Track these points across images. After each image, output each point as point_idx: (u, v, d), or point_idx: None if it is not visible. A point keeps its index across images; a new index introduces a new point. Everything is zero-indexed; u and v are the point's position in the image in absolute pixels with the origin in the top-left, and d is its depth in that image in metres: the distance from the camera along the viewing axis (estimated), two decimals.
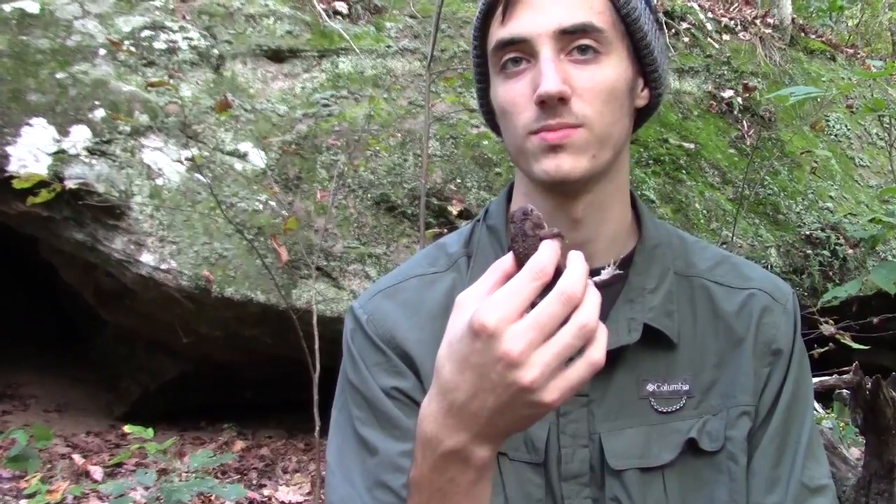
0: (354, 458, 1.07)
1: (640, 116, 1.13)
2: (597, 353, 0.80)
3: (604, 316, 1.06)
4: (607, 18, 1.01)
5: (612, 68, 1.01)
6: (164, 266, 3.95)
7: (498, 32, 1.02)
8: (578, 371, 0.79)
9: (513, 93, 1.02)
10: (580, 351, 0.79)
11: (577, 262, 0.80)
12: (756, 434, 1.09)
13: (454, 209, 4.42)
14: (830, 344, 3.78)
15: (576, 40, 0.99)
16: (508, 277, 0.81)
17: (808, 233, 5.54)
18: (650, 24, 1.06)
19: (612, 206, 1.09)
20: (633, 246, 1.13)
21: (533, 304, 0.79)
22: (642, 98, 1.09)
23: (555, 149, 0.99)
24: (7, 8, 4.25)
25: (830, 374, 3.00)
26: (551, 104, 0.97)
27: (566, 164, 0.99)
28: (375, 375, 1.08)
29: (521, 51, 1.00)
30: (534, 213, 0.83)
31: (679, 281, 1.12)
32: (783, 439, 1.08)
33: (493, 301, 0.79)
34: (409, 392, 1.07)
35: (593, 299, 0.80)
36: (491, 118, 1.13)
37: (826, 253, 5.48)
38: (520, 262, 0.82)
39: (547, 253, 0.80)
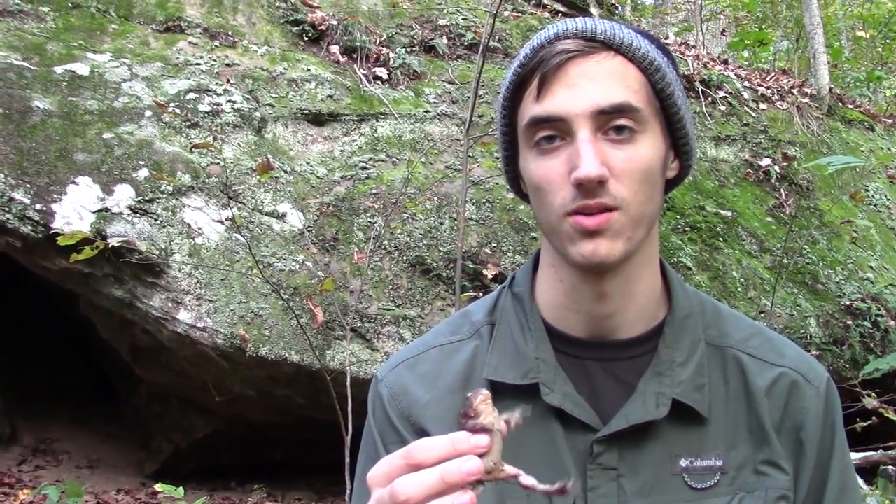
0: None
1: (668, 185, 1.12)
2: None
3: (631, 388, 1.05)
4: (643, 96, 1.00)
5: (648, 147, 1.00)
6: (200, 324, 3.98)
7: (532, 108, 1.01)
8: None
9: (548, 170, 1.00)
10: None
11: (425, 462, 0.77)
12: None
13: (489, 273, 4.42)
14: (873, 418, 3.70)
15: (613, 120, 0.98)
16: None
17: (848, 303, 5.45)
18: (682, 97, 1.06)
19: (641, 280, 1.08)
20: (662, 316, 1.11)
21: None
22: (673, 169, 1.09)
23: (592, 234, 0.98)
24: (59, 70, 4.39)
25: (875, 450, 2.93)
26: (590, 187, 0.96)
27: (603, 249, 0.98)
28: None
29: (557, 129, 0.99)
30: (472, 399, 0.80)
31: (711, 351, 1.10)
32: None
33: (384, 458, 0.81)
34: None
35: (416, 479, 0.76)
36: (516, 185, 1.12)
37: (867, 324, 5.38)
38: None
39: (432, 444, 0.78)
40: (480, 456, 0.76)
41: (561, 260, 1.07)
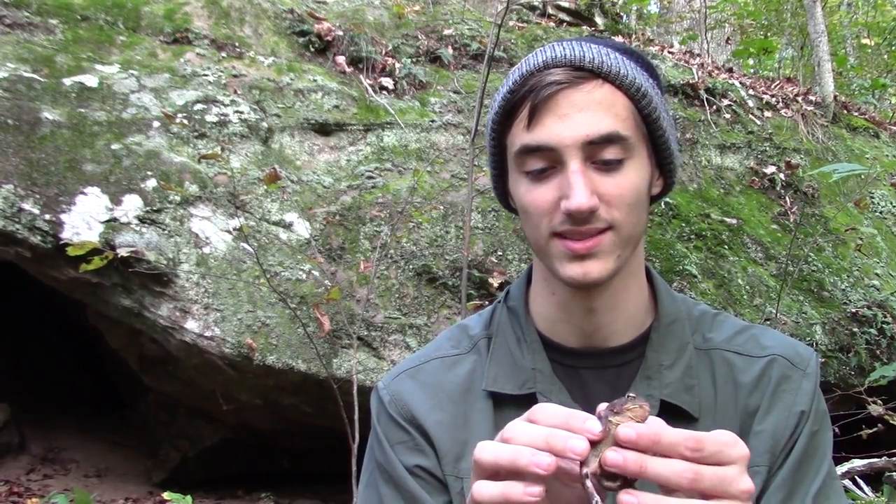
0: None
1: (651, 200, 1.16)
2: (475, 489, 0.82)
3: (623, 393, 1.08)
4: (631, 124, 1.04)
5: (636, 171, 1.05)
6: (207, 333, 4.00)
7: (523, 137, 1.05)
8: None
9: (537, 196, 1.05)
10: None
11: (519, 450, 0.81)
12: (766, 485, 1.08)
13: (495, 281, 4.43)
14: (879, 425, 3.70)
15: (602, 150, 1.02)
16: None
17: (853, 310, 5.45)
18: (667, 118, 1.10)
19: (628, 291, 1.13)
20: (650, 323, 1.16)
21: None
22: (657, 186, 1.14)
23: (582, 257, 1.03)
24: (67, 82, 4.43)
25: (880, 456, 2.93)
26: (580, 216, 1.01)
27: (594, 272, 1.03)
28: (399, 454, 1.12)
29: (547, 158, 1.03)
30: (627, 398, 0.83)
31: (699, 355, 1.14)
32: (790, 490, 1.08)
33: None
34: (431, 470, 1.11)
35: (511, 449, 0.81)
36: (505, 200, 1.17)
37: (873, 331, 5.38)
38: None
39: (553, 409, 0.83)
40: (592, 444, 0.79)
41: (551, 275, 1.11)
